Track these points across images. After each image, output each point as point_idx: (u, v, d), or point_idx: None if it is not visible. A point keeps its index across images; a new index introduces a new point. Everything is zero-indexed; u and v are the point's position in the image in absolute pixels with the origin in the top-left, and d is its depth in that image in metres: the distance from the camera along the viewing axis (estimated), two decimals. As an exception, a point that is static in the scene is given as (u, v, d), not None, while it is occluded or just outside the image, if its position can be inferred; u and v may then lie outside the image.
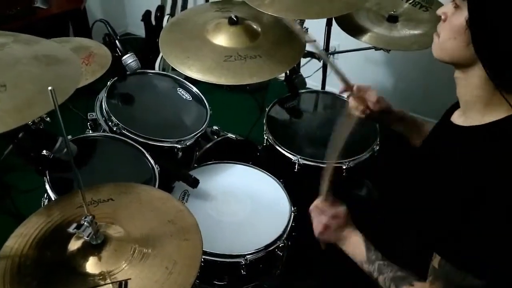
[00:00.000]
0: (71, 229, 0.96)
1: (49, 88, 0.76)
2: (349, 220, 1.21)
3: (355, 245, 1.17)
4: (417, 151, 1.26)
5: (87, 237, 0.96)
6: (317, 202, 1.25)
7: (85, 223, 0.95)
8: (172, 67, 1.58)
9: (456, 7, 0.95)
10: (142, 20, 3.20)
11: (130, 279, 0.95)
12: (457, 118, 1.06)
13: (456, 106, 1.09)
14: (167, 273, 0.97)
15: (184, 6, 3.15)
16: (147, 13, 3.18)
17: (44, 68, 1.06)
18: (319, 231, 1.22)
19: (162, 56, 2.96)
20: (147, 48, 3.17)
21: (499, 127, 0.94)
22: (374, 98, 1.39)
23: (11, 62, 1.03)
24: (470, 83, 0.97)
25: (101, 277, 0.96)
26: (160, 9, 3.16)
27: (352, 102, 1.43)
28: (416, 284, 1.03)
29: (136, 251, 1.01)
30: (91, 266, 0.98)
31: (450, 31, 0.95)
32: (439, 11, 0.99)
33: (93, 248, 1.00)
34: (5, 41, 1.13)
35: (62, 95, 0.93)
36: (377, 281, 1.09)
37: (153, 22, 3.18)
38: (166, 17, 3.13)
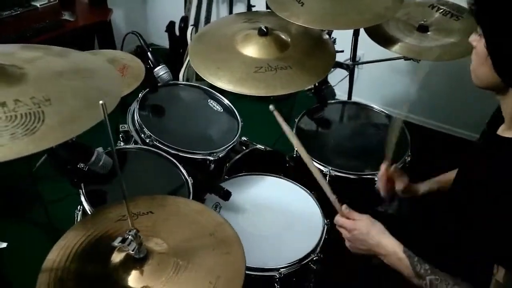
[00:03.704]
0: (116, 243, 0.95)
1: (100, 102, 0.76)
2: (374, 227, 1.18)
3: (396, 258, 1.11)
4: (460, 166, 1.24)
5: (132, 251, 0.95)
6: (336, 218, 1.26)
7: (130, 237, 0.95)
8: (196, 77, 1.58)
9: (480, 34, 0.97)
10: (166, 31, 3.22)
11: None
12: (504, 132, 1.04)
13: (496, 119, 1.08)
14: (211, 288, 0.96)
15: (207, 17, 3.17)
16: (171, 24, 3.21)
17: (83, 82, 1.07)
18: (348, 246, 1.24)
19: (185, 66, 2.99)
20: (171, 59, 3.19)
21: None
22: (401, 187, 1.45)
23: (53, 76, 1.03)
24: (510, 102, 0.99)
25: (143, 291, 0.95)
26: (184, 20, 3.18)
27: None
28: None
29: (179, 265, 1.00)
30: (133, 280, 0.97)
31: (478, 58, 0.99)
32: (470, 39, 1.01)
33: (135, 262, 0.99)
34: (37, 55, 1.13)
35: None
36: None
37: (177, 33, 3.20)
38: (189, 28, 3.14)
